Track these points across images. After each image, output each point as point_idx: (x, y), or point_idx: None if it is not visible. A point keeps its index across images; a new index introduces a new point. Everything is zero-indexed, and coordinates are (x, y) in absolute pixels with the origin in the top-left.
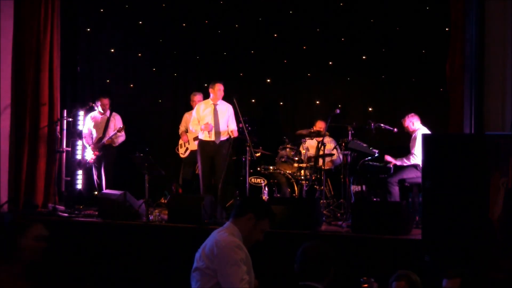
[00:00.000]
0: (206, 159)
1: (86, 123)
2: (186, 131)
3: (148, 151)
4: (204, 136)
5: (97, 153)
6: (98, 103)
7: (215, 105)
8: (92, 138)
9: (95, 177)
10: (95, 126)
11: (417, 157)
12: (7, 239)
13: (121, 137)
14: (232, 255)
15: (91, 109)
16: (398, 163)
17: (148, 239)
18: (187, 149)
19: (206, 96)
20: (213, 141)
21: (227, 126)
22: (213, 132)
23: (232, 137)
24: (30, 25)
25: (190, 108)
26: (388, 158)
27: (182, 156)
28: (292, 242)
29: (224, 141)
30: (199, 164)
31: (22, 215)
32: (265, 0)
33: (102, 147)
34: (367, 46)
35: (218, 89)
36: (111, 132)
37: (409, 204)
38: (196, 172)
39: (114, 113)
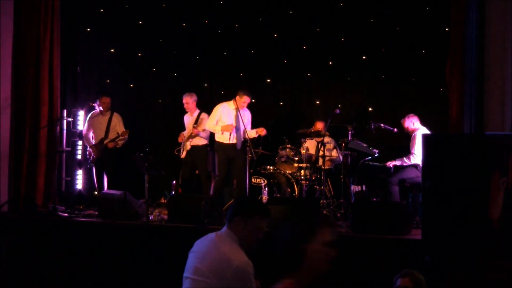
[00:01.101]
0: (224, 162)
1: (87, 123)
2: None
3: (148, 151)
4: (224, 138)
5: (97, 154)
6: (99, 103)
7: (237, 110)
8: (92, 138)
9: (94, 177)
10: (96, 126)
11: (417, 156)
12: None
13: (125, 139)
14: (249, 278)
15: (92, 109)
16: (398, 163)
17: (148, 239)
18: (183, 149)
19: (200, 97)
20: (233, 144)
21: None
22: (234, 136)
23: (262, 135)
24: (30, 25)
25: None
26: (388, 164)
27: (181, 156)
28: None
29: (242, 143)
30: (216, 166)
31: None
32: (265, 0)
33: (104, 149)
34: (367, 46)
35: (243, 101)
36: (112, 132)
37: (409, 204)
38: (196, 172)
39: (115, 113)
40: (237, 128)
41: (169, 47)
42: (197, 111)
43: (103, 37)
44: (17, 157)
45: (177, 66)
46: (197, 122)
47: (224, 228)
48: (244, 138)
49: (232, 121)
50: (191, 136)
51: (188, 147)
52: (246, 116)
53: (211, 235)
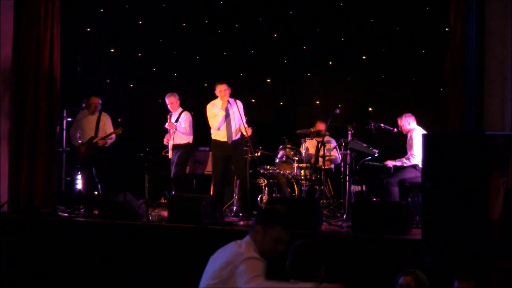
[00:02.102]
0: (220, 160)
1: (75, 123)
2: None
3: (148, 151)
4: (219, 136)
5: (85, 152)
6: (88, 102)
7: (227, 103)
8: (79, 138)
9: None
10: (85, 126)
11: (416, 157)
12: None
13: (113, 138)
14: (259, 268)
15: (86, 108)
16: (398, 164)
17: (148, 239)
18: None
19: (200, 97)
20: (225, 142)
21: (240, 125)
22: (225, 133)
23: (247, 135)
24: (30, 25)
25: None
26: (388, 163)
27: (170, 157)
28: (292, 242)
29: (239, 139)
30: (212, 165)
31: None
32: (265, 0)
33: (94, 147)
34: (367, 46)
35: (219, 90)
36: (101, 131)
37: (409, 204)
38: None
39: (104, 113)
40: (227, 123)
41: (169, 47)
42: (180, 110)
43: (103, 37)
44: (17, 157)
45: (177, 66)
46: (178, 120)
47: (246, 237)
48: (241, 134)
49: (221, 117)
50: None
51: (170, 146)
52: (237, 108)
53: (230, 243)
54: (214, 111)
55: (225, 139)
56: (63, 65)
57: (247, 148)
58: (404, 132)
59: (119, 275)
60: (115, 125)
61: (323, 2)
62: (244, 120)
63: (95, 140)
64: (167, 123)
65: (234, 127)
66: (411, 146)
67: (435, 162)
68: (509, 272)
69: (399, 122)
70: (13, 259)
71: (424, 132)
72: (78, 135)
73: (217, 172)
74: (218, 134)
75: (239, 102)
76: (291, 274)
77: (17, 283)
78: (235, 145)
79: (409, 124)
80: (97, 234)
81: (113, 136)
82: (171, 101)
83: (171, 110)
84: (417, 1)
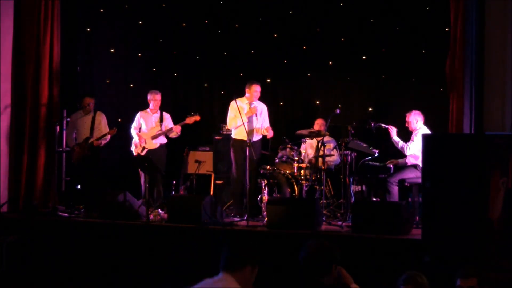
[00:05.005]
0: (243, 160)
1: (69, 124)
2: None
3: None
4: (242, 135)
5: (82, 153)
6: (83, 103)
7: (250, 104)
8: (74, 138)
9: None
10: (80, 126)
11: (410, 150)
12: None
13: (107, 139)
14: None
15: (81, 108)
16: (400, 142)
17: (148, 239)
18: (144, 148)
19: (200, 97)
20: (245, 141)
21: (261, 126)
22: (245, 132)
23: (268, 137)
24: (30, 25)
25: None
26: (388, 163)
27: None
28: (292, 242)
29: (257, 141)
30: (233, 163)
31: None
32: (265, 0)
33: (90, 147)
34: (367, 46)
35: (254, 90)
36: (97, 131)
37: (409, 204)
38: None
39: (98, 112)
40: (249, 122)
41: (169, 47)
42: (159, 110)
43: (103, 37)
44: (17, 157)
45: (177, 66)
46: (162, 120)
47: (223, 276)
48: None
49: (246, 116)
50: (155, 136)
51: (156, 146)
52: (260, 110)
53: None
54: (236, 114)
55: (245, 138)
56: (63, 65)
57: (248, 149)
58: (410, 129)
59: (119, 275)
60: (114, 125)
61: (323, 2)
62: (267, 124)
63: (90, 141)
64: (172, 131)
65: (256, 126)
66: (412, 139)
67: (435, 162)
68: (509, 272)
69: (407, 117)
70: (13, 259)
71: (429, 131)
72: (74, 135)
73: (239, 172)
74: (242, 134)
75: (264, 106)
76: (303, 270)
77: (17, 283)
78: (253, 144)
79: (416, 122)
80: (97, 234)
81: (108, 136)
82: (158, 98)
83: (153, 107)
84: (417, 1)
